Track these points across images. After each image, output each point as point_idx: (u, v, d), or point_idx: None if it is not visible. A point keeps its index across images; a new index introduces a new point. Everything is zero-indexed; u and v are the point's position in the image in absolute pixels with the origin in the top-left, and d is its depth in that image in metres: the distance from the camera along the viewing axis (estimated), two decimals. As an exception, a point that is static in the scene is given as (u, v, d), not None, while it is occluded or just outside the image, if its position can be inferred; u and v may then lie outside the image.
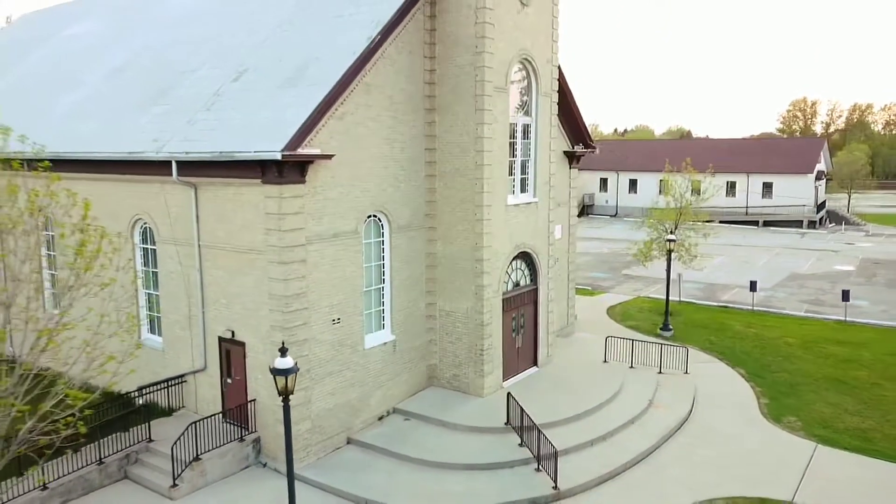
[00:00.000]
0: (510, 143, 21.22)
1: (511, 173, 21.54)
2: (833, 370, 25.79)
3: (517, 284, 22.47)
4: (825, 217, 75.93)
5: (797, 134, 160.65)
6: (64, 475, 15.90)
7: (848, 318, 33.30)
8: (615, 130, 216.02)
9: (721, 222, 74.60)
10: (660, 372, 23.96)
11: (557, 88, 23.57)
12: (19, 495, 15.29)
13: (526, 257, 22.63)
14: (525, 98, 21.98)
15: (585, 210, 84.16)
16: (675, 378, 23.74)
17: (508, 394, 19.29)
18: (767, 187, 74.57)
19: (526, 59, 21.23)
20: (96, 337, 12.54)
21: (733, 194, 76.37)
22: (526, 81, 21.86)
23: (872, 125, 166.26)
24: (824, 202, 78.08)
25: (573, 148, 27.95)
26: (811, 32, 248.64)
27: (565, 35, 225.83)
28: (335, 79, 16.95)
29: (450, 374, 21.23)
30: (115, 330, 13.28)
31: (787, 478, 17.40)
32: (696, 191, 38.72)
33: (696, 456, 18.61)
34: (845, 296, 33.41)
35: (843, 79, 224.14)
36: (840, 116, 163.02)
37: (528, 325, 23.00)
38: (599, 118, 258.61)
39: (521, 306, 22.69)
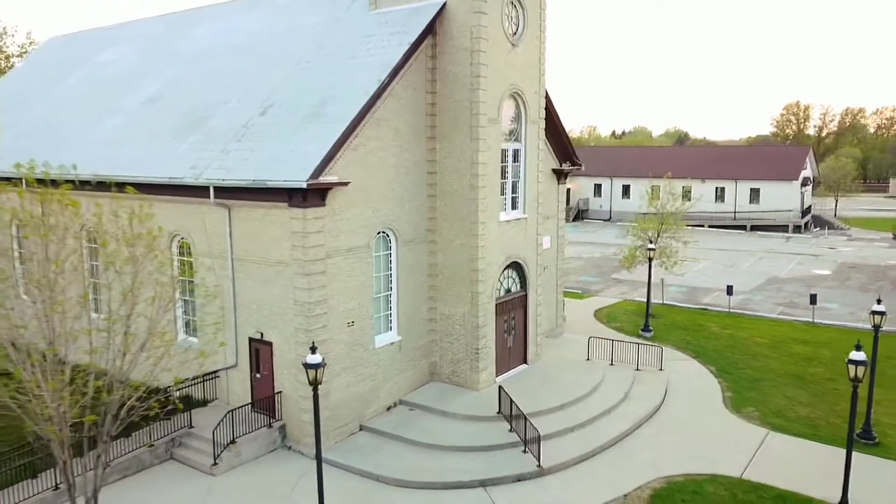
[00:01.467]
0: (502, 166, 24.06)
1: (503, 193, 24.39)
2: (794, 367, 28.63)
3: (509, 291, 25.32)
4: (810, 222, 78.75)
5: (791, 136, 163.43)
6: (121, 455, 18.72)
7: (816, 320, 36.16)
8: (613, 133, 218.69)
9: (710, 226, 77.68)
10: (637, 369, 26.78)
11: (544, 115, 26.42)
12: (87, 471, 18.09)
13: (516, 267, 25.47)
14: (515, 126, 24.82)
15: (580, 215, 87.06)
16: (651, 374, 26.57)
17: (500, 387, 22.13)
18: (755, 193, 77.41)
19: (516, 93, 24.08)
20: (151, 339, 15.07)
21: (722, 199, 79.27)
22: (516, 111, 24.69)
23: (868, 127, 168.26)
24: (810, 207, 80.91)
25: (561, 165, 30.74)
26: (810, 35, 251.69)
27: (565, 37, 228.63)
28: (351, 116, 19.79)
29: (449, 370, 24.07)
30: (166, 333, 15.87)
31: (739, 459, 20.25)
32: (687, 195, 41.37)
33: (662, 441, 21.45)
34: (813, 299, 36.28)
35: (839, 82, 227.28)
36: (832, 120, 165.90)
37: (518, 326, 25.84)
38: (598, 120, 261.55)
39: (513, 310, 25.54)
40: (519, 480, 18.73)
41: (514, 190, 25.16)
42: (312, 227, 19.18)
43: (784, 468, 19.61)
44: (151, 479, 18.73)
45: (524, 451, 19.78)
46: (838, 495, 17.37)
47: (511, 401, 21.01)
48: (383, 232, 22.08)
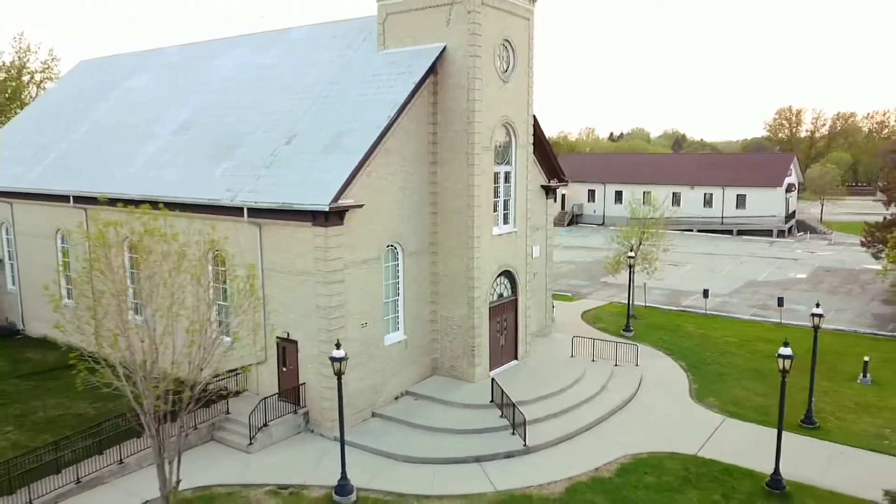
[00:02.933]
0: (494, 187, 27.52)
1: (495, 210, 27.83)
2: (756, 363, 32.06)
3: (501, 296, 28.77)
4: (794, 226, 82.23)
5: (784, 140, 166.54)
6: (173, 435, 22.12)
7: (783, 321, 39.61)
8: (611, 135, 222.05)
9: (699, 231, 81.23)
10: (616, 365, 30.21)
11: (533, 140, 29.88)
12: (141, 450, 21.58)
13: (508, 274, 28.93)
14: (506, 151, 28.27)
15: (574, 220, 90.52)
16: (627, 369, 30.00)
17: (493, 380, 25.57)
18: (741, 199, 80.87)
19: (507, 123, 27.54)
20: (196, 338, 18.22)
21: (710, 205, 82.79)
22: (507, 138, 28.14)
23: (862, 129, 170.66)
24: (794, 212, 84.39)
25: (549, 182, 34.17)
26: (808, 38, 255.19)
27: (564, 39, 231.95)
28: (365, 148, 23.25)
29: (448, 365, 27.51)
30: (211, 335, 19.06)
31: (696, 440, 23.69)
32: (667, 202, 44.34)
33: (632, 425, 24.90)
34: (780, 302, 39.74)
35: (837, 84, 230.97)
36: (824, 125, 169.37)
37: (509, 327, 29.30)
38: (596, 122, 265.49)
39: (505, 313, 28.98)
40: (508, 457, 22.17)
41: (505, 207, 28.62)
42: (333, 242, 22.63)
43: (733, 447, 23.06)
44: (199, 455, 22.13)
45: (513, 434, 23.21)
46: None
47: (502, 391, 24.46)
48: (392, 245, 25.52)
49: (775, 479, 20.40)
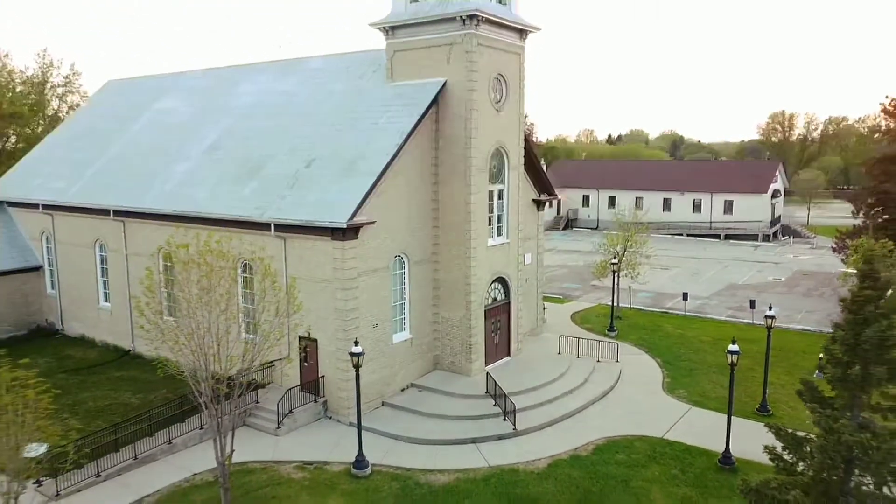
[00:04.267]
0: (489, 203, 31.13)
1: (490, 224, 31.44)
2: (724, 360, 35.34)
3: (495, 300, 32.39)
4: (779, 231, 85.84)
5: (777, 143, 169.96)
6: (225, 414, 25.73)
7: (755, 322, 43.18)
8: (609, 137, 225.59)
9: (689, 235, 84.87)
10: (598, 361, 33.81)
11: (524, 160, 33.51)
12: (186, 432, 25.21)
13: (501, 281, 32.55)
14: (500, 172, 31.88)
15: (570, 224, 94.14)
16: (608, 365, 33.60)
17: (487, 373, 29.19)
18: (729, 204, 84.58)
19: (500, 147, 31.15)
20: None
21: (699, 210, 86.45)
22: (500, 161, 31.74)
23: (860, 129, 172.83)
24: (779, 217, 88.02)
25: (539, 196, 37.78)
26: (806, 40, 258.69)
27: (565, 40, 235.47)
28: (377, 171, 26.86)
29: (448, 361, 31.13)
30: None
31: (663, 425, 27.31)
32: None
33: (609, 413, 28.52)
34: (752, 304, 43.37)
35: (833, 86, 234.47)
36: (816, 129, 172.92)
37: (503, 327, 32.92)
38: (595, 123, 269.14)
39: (499, 315, 32.60)
40: (500, 439, 25.81)
41: (499, 221, 32.24)
42: (349, 254, 26.25)
43: (695, 432, 26.68)
44: (234, 438, 25.68)
45: (504, 419, 26.82)
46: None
47: (495, 383, 28.06)
48: (399, 255, 29.13)
49: (726, 457, 24.04)
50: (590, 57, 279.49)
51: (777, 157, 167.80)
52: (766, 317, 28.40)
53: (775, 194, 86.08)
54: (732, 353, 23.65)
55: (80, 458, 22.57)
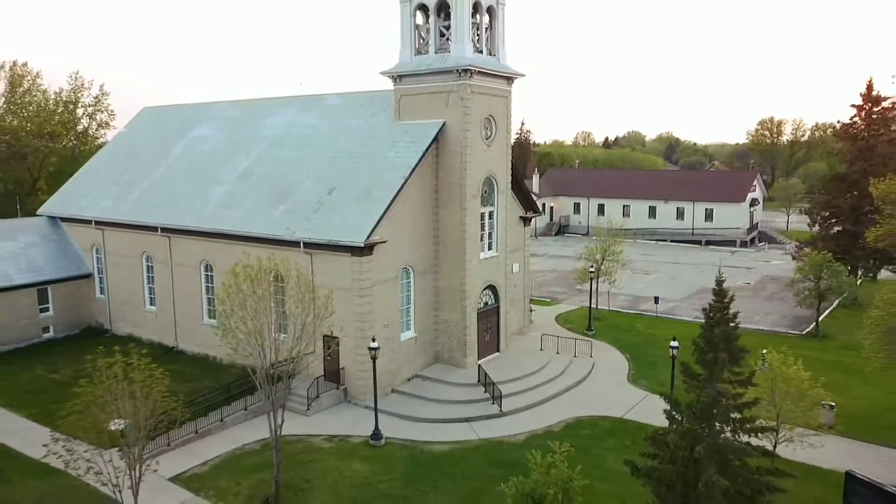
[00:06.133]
0: (481, 223, 36.98)
1: (482, 240, 37.29)
2: (683, 355, 41.36)
3: (486, 304, 38.24)
4: (756, 237, 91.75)
5: (765, 149, 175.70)
6: (254, 403, 31.61)
7: (717, 322, 48.97)
8: (606, 139, 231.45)
9: (672, 241, 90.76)
10: (575, 356, 39.63)
11: (511, 183, 39.37)
12: (234, 412, 31.06)
13: (492, 288, 38.41)
14: (490, 196, 37.71)
15: (562, 230, 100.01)
16: (583, 359, 39.43)
17: (479, 366, 35.02)
18: (709, 212, 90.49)
19: (490, 176, 37.01)
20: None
21: (682, 218, 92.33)
22: (491, 187, 37.58)
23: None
24: (757, 224, 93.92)
25: (525, 213, 43.63)
26: (803, 42, 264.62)
27: (566, 43, 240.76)
28: (388, 199, 32.69)
29: (447, 356, 36.96)
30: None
31: (624, 408, 33.16)
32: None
33: (580, 398, 34.36)
34: (714, 307, 49.13)
35: (831, 88, 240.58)
36: (804, 135, 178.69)
37: (493, 327, 38.77)
38: (592, 125, 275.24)
39: (490, 317, 38.44)
40: (488, 418, 31.65)
41: (489, 237, 38.11)
42: (365, 268, 32.09)
43: (649, 413, 32.44)
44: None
45: (492, 403, 32.63)
46: (670, 424, 30.28)
47: (486, 374, 33.89)
48: (405, 267, 34.95)
49: (669, 431, 29.88)
50: (590, 58, 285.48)
51: (766, 162, 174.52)
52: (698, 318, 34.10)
53: (753, 202, 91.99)
54: (673, 347, 29.51)
55: (154, 430, 28.42)
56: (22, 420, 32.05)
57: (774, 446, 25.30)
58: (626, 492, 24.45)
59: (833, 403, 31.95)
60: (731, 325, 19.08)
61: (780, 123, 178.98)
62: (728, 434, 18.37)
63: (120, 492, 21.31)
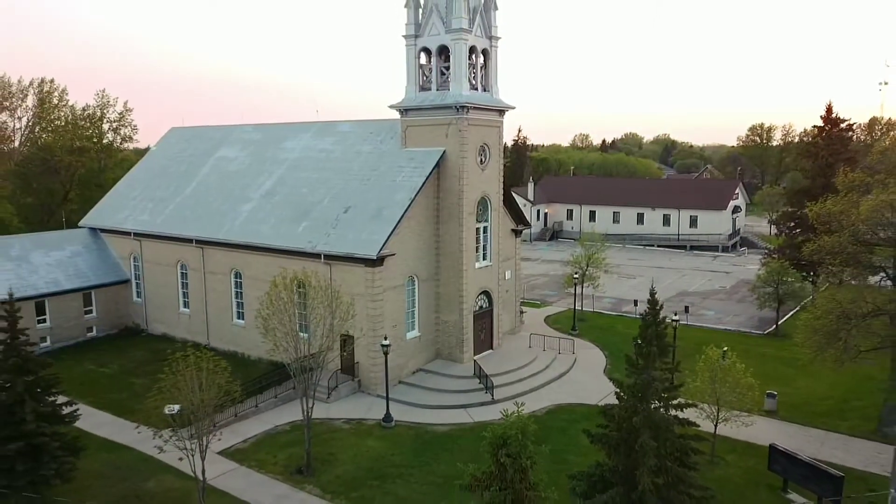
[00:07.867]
0: (476, 237, 42.49)
1: (477, 252, 42.81)
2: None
3: (481, 307, 43.78)
4: (738, 242, 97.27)
5: (755, 154, 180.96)
6: (282, 392, 37.10)
7: (690, 322, 54.51)
8: (603, 142, 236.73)
9: (659, 246, 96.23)
10: (559, 353, 45.12)
11: (503, 199, 44.89)
12: (266, 399, 36.56)
13: (486, 293, 43.94)
14: (484, 213, 43.24)
15: (555, 235, 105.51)
16: (566, 356, 44.93)
17: (475, 361, 40.55)
18: (694, 219, 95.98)
19: (484, 196, 42.54)
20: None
21: (669, 224, 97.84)
22: (485, 205, 43.09)
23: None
24: (739, 230, 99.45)
25: (516, 226, 49.18)
26: (802, 43, 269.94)
27: (567, 44, 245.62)
28: (397, 218, 38.20)
29: (446, 352, 42.48)
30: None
31: (598, 396, 38.60)
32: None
33: (562, 389, 39.87)
34: (686, 309, 54.74)
35: (831, 89, 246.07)
36: (793, 141, 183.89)
37: (487, 328, 44.30)
38: (590, 128, 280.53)
39: (484, 318, 43.97)
40: (482, 405, 37.19)
41: (484, 249, 43.64)
42: (377, 277, 37.62)
43: (620, 400, 37.96)
44: (297, 405, 37.01)
45: (486, 392, 38.15)
46: (636, 409, 35.78)
47: (480, 368, 39.41)
48: (411, 276, 40.47)
49: (634, 415, 35.38)
50: (589, 59, 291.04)
51: (756, 167, 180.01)
52: (672, 319, 39.68)
53: (736, 209, 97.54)
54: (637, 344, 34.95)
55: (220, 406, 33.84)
56: (85, 407, 37.49)
57: (716, 425, 31.01)
58: (593, 461, 29.93)
59: (775, 392, 37.55)
60: (661, 326, 24.52)
61: (769, 129, 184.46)
62: (660, 408, 23.89)
63: (191, 457, 26.48)
